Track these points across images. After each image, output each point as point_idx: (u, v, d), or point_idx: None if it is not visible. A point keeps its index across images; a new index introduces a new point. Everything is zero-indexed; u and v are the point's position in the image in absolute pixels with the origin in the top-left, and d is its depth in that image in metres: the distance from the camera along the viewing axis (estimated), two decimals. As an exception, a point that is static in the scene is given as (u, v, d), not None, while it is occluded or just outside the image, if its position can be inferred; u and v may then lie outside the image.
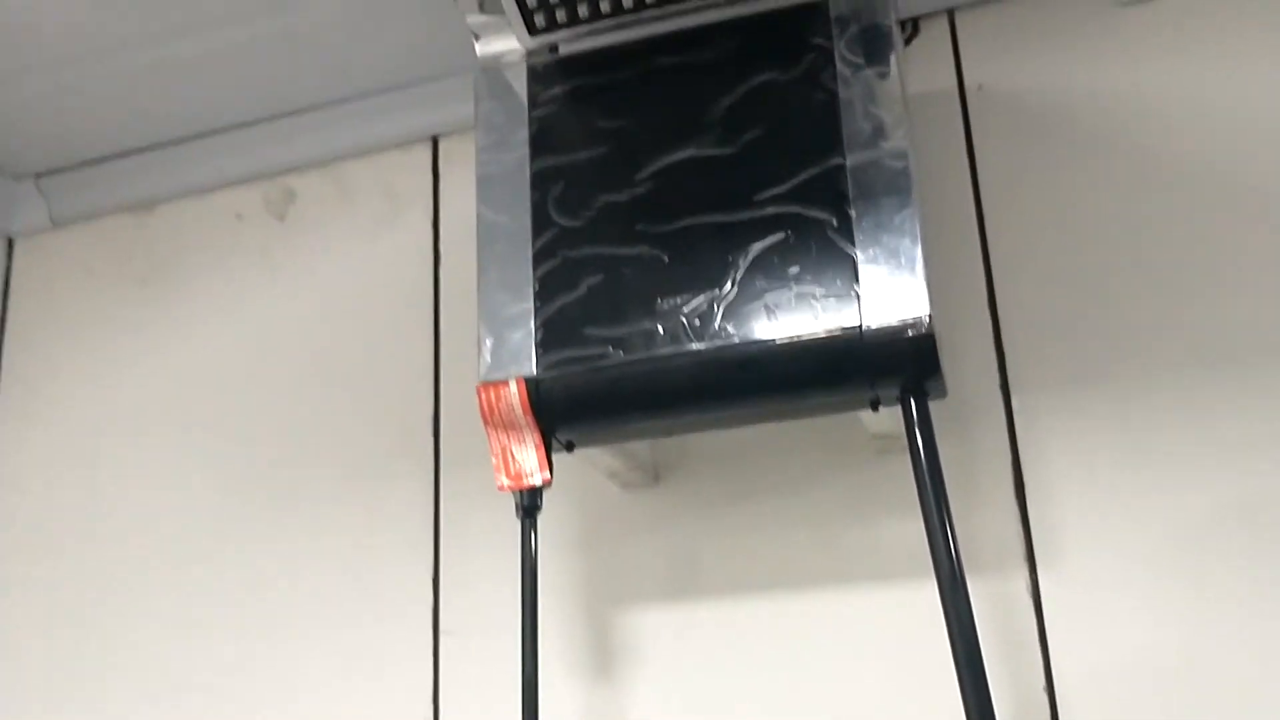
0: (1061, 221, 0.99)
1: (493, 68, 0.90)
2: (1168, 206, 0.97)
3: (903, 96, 0.82)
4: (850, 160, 0.80)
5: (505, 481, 0.83)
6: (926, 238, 0.81)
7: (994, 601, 0.92)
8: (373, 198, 1.19)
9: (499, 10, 0.86)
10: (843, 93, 0.82)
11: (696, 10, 0.85)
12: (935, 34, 1.06)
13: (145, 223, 1.26)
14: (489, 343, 0.84)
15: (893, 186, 0.79)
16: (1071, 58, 1.02)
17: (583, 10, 0.83)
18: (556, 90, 0.88)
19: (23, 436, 1.24)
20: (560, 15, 0.83)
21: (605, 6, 0.83)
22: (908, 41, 1.06)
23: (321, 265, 1.19)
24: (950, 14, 1.06)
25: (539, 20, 0.84)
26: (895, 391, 0.79)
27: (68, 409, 1.23)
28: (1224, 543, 0.89)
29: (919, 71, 1.04)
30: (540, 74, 0.89)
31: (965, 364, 0.97)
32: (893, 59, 0.83)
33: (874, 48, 0.84)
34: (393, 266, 1.16)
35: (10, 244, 1.29)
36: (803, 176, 0.81)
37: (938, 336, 0.77)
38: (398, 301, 1.15)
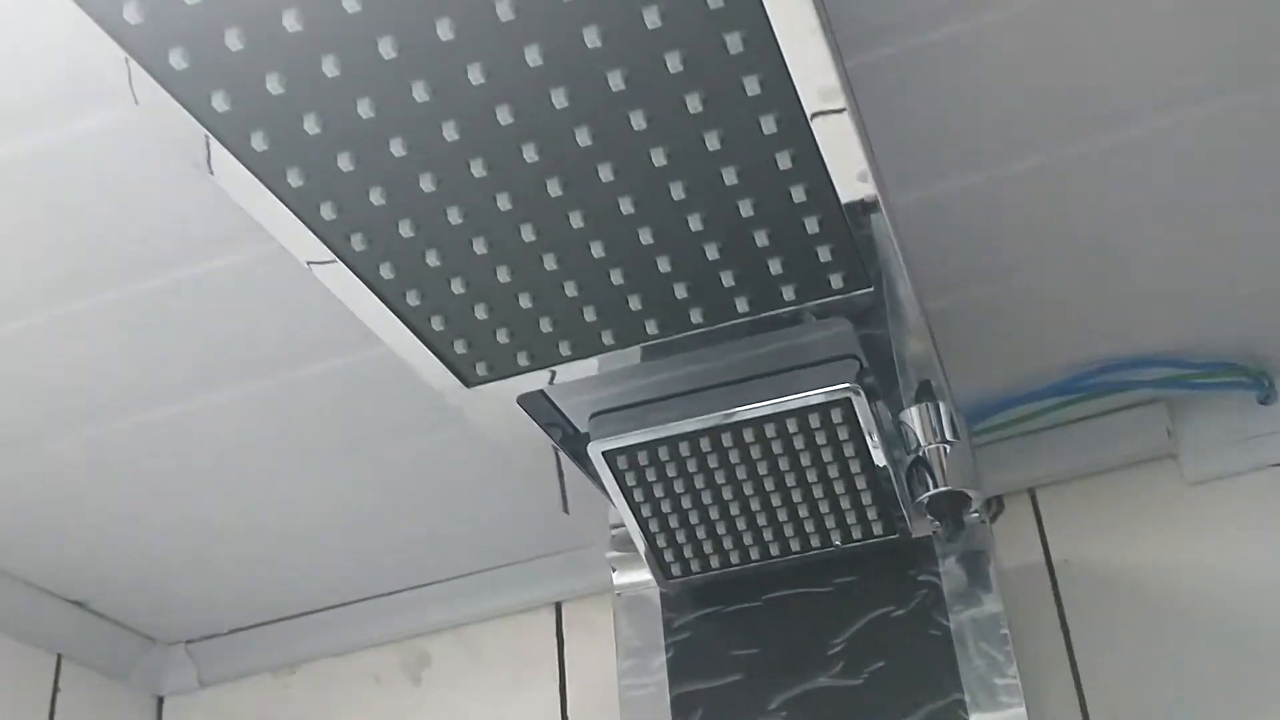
0: (1156, 692, 1.05)
1: (629, 594, 1.00)
2: (1252, 675, 1.04)
3: (1008, 631, 0.90)
4: (968, 695, 0.88)
5: None
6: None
7: None
8: (502, 661, 1.28)
9: (633, 548, 0.96)
10: (955, 629, 0.91)
11: (814, 555, 0.95)
12: (1019, 510, 1.15)
13: (288, 683, 1.35)
14: None
15: (1009, 721, 0.87)
16: (1150, 532, 1.11)
17: (714, 561, 0.93)
18: (689, 616, 0.98)
19: None
20: (694, 565, 0.94)
21: (735, 558, 0.93)
22: (994, 518, 1.15)
23: (456, 727, 1.27)
24: (1032, 492, 1.16)
25: (675, 569, 0.94)
26: None
27: None
28: None
29: (1008, 547, 1.13)
30: (673, 600, 0.99)
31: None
32: (994, 584, 0.92)
33: (976, 577, 0.93)
34: (524, 729, 1.24)
35: (160, 703, 1.39)
36: (926, 709, 0.89)
37: None
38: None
